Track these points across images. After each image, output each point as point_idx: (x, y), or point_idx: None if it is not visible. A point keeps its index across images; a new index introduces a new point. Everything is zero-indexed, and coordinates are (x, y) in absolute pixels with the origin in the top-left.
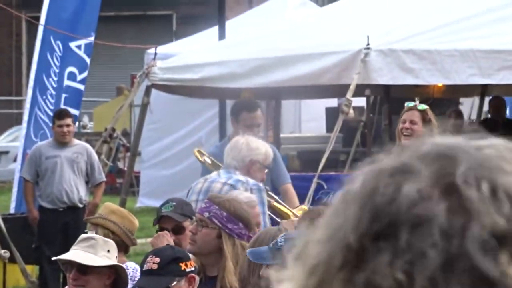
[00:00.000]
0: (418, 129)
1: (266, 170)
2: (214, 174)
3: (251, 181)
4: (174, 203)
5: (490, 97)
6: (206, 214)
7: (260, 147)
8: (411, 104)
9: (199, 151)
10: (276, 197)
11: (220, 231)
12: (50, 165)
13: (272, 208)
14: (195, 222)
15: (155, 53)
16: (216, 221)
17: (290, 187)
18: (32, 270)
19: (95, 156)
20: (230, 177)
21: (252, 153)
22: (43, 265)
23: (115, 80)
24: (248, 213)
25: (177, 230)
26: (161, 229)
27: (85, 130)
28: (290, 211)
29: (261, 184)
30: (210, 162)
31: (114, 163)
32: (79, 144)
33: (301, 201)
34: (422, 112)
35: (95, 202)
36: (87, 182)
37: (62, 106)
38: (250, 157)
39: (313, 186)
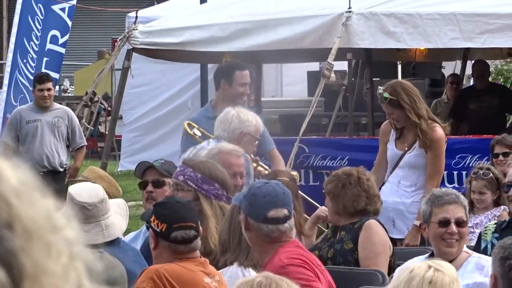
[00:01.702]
0: (396, 117)
1: (256, 142)
2: (203, 143)
3: (240, 150)
4: (162, 161)
5: (473, 61)
6: (181, 178)
7: (251, 119)
8: (378, 92)
9: (189, 124)
10: (266, 166)
11: (196, 193)
12: (31, 130)
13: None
14: (172, 187)
15: (136, 17)
16: (191, 184)
17: (276, 152)
18: None
19: (76, 120)
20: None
21: (242, 125)
22: None
23: (97, 44)
24: (223, 173)
25: (156, 183)
26: (144, 182)
27: (66, 94)
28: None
29: (248, 156)
30: (200, 134)
31: (95, 127)
32: (60, 108)
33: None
34: (389, 101)
35: (76, 166)
36: (68, 146)
37: (43, 70)
38: (240, 129)
39: (294, 150)
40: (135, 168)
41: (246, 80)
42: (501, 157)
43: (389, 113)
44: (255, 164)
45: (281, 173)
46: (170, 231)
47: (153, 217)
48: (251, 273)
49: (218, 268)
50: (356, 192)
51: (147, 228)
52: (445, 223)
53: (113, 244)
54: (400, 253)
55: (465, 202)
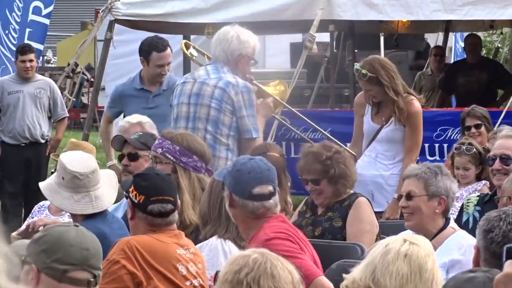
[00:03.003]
0: (374, 93)
1: (253, 62)
2: (202, 72)
3: (241, 82)
4: (140, 133)
5: (466, 35)
6: (159, 150)
7: (250, 40)
8: (356, 69)
9: (186, 43)
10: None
11: (175, 165)
12: (13, 101)
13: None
14: (150, 159)
15: None
16: (169, 156)
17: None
18: None
19: (58, 92)
20: (219, 77)
21: (241, 46)
22: (4, 201)
23: (80, 14)
24: (202, 145)
25: (132, 156)
26: (121, 155)
27: (49, 65)
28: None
29: (249, 85)
30: (196, 54)
31: (78, 98)
32: (42, 79)
33: (264, 136)
34: (367, 78)
35: (58, 137)
36: (49, 118)
37: (26, 41)
38: (239, 50)
39: (276, 122)
40: (111, 141)
41: (163, 61)
42: (473, 129)
43: (367, 90)
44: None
45: (272, 148)
46: (148, 203)
47: (132, 188)
48: (230, 247)
49: (198, 241)
50: (348, 173)
51: (126, 198)
52: (399, 197)
53: (100, 215)
54: (383, 226)
55: (427, 174)
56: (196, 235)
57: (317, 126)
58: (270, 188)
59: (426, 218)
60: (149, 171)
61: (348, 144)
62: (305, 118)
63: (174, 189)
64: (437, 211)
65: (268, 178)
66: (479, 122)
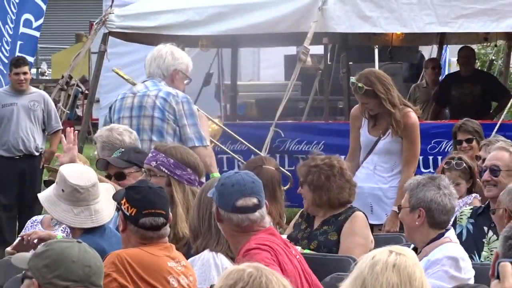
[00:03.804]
0: (371, 106)
1: (187, 81)
2: (140, 87)
3: (180, 93)
4: (122, 150)
5: (460, 47)
6: (153, 163)
7: (183, 56)
8: (352, 82)
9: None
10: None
11: (169, 178)
12: (7, 113)
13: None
14: (144, 172)
15: (112, 0)
16: (163, 169)
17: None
18: None
19: (52, 104)
20: (159, 89)
21: (176, 62)
22: None
23: (75, 27)
24: (195, 158)
25: (118, 176)
26: (108, 174)
27: (44, 77)
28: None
29: (188, 97)
30: (127, 77)
31: (72, 110)
32: (36, 92)
33: (259, 148)
34: (361, 89)
35: (52, 150)
36: (43, 130)
37: (18, 54)
38: (174, 66)
39: (270, 134)
40: (95, 164)
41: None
42: (464, 144)
43: (364, 103)
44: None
45: (268, 161)
46: (139, 217)
47: (124, 200)
48: (222, 260)
49: (190, 255)
50: (341, 184)
51: (117, 210)
52: (399, 209)
53: (99, 230)
54: (378, 239)
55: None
56: (188, 248)
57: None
58: (254, 200)
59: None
60: (141, 184)
61: (343, 157)
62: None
63: (167, 203)
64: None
65: (252, 190)
66: (470, 136)
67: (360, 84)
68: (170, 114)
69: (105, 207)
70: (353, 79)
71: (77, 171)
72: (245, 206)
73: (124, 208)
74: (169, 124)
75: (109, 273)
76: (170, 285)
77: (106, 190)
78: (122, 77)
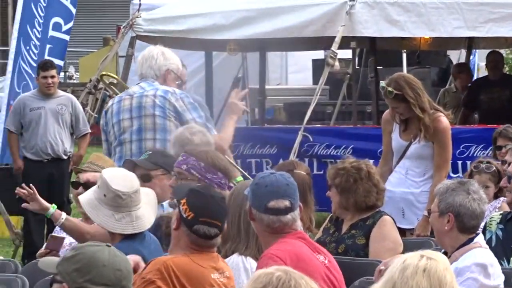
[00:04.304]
0: (401, 110)
1: (178, 82)
2: (136, 88)
3: (177, 90)
4: (150, 152)
5: (488, 52)
6: (184, 167)
7: (174, 57)
8: (381, 87)
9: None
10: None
11: (199, 182)
12: (35, 117)
13: None
14: (174, 176)
15: (140, 4)
16: (194, 172)
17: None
18: (17, 221)
19: (79, 107)
20: (155, 88)
21: (167, 62)
22: (28, 216)
23: (102, 30)
24: (225, 162)
25: (144, 177)
26: None
27: (71, 81)
28: None
29: (186, 92)
30: (116, 81)
31: (100, 114)
32: (63, 95)
33: (287, 153)
34: (391, 93)
35: (80, 153)
36: (71, 134)
37: (46, 57)
38: (166, 66)
39: (298, 138)
40: (122, 165)
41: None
42: (504, 150)
43: (394, 107)
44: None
45: (298, 165)
46: (195, 222)
47: (184, 201)
48: (251, 264)
49: None
50: (367, 188)
51: (173, 206)
52: (429, 214)
53: (139, 236)
54: (408, 243)
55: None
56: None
57: None
58: (287, 203)
59: None
60: (205, 190)
61: (372, 161)
62: None
63: (225, 214)
64: None
65: (285, 193)
66: (510, 142)
67: (389, 89)
68: (171, 111)
69: (146, 213)
70: (382, 83)
71: (120, 176)
72: (276, 208)
73: (183, 209)
74: (171, 121)
75: (154, 280)
76: None
77: (147, 195)
78: (116, 78)
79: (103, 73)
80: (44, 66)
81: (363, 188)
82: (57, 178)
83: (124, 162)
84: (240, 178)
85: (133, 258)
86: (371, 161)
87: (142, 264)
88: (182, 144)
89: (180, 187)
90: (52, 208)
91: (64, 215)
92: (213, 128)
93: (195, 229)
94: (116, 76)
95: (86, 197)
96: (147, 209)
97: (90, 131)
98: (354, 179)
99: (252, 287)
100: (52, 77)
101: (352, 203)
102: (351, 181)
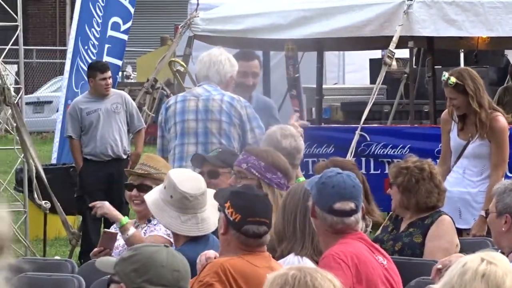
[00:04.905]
0: (458, 102)
1: (233, 87)
2: (201, 90)
3: (242, 98)
4: (220, 150)
5: None
6: (244, 165)
7: (236, 63)
8: (444, 77)
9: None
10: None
11: (259, 181)
12: (92, 120)
13: None
14: (234, 175)
15: (197, 4)
16: (254, 171)
17: None
18: (74, 221)
19: (132, 102)
20: (221, 93)
21: (232, 68)
22: (85, 216)
23: (160, 30)
24: (285, 162)
25: (212, 174)
26: (201, 172)
27: (129, 80)
28: None
29: (247, 102)
30: (183, 69)
31: (157, 113)
32: (114, 93)
33: (344, 152)
34: (454, 85)
35: (138, 152)
36: (128, 130)
37: (105, 56)
38: (231, 73)
39: (355, 138)
40: (191, 160)
41: (246, 69)
42: None
43: (452, 98)
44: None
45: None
46: (243, 224)
47: (229, 204)
48: (307, 264)
49: (275, 259)
50: (429, 188)
51: (219, 210)
52: (486, 214)
53: (203, 239)
54: (464, 243)
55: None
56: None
57: None
58: (352, 205)
59: None
60: (247, 190)
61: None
62: None
63: (270, 211)
64: None
65: (351, 195)
66: None
67: (452, 78)
68: (236, 119)
69: (211, 215)
70: (445, 74)
71: (188, 178)
72: (342, 210)
73: (228, 213)
74: (235, 129)
75: (212, 283)
76: None
77: (211, 197)
78: (184, 67)
79: (172, 59)
80: (102, 67)
81: (425, 188)
82: (116, 178)
83: (193, 156)
84: (302, 179)
85: (209, 254)
86: (428, 161)
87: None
88: (271, 143)
89: (221, 191)
90: (124, 220)
91: (131, 231)
92: None
93: (244, 230)
94: (184, 64)
95: (152, 197)
96: (212, 211)
97: (145, 126)
98: (416, 179)
99: None
100: (109, 78)
101: (413, 203)
102: (413, 181)
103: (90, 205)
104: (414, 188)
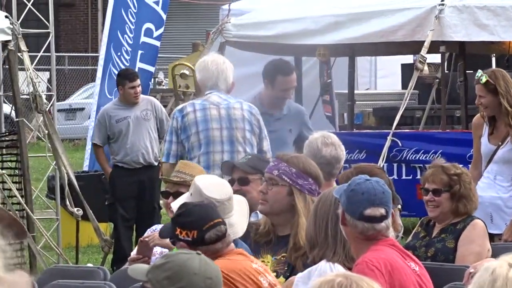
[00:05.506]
0: (486, 101)
1: None
2: (217, 98)
3: (254, 106)
4: (249, 156)
5: None
6: (276, 172)
7: (232, 67)
8: (477, 75)
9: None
10: None
11: (290, 188)
12: (122, 127)
13: None
14: (265, 181)
15: (229, 10)
16: (286, 178)
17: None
18: (106, 228)
19: (161, 107)
20: (239, 101)
21: (233, 74)
22: (117, 223)
23: (191, 36)
24: (316, 168)
25: (242, 180)
26: (231, 180)
27: (160, 87)
28: None
29: None
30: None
31: None
32: (143, 99)
33: (376, 158)
34: (485, 84)
35: None
36: (158, 136)
37: (138, 63)
38: (232, 79)
39: (387, 143)
40: (221, 167)
41: (288, 86)
42: None
43: (481, 96)
44: None
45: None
46: (203, 234)
47: (179, 230)
48: (339, 270)
49: (307, 266)
50: (470, 195)
51: (173, 243)
52: None
53: None
54: (495, 248)
55: None
56: (306, 258)
57: None
58: (382, 211)
59: None
60: (186, 207)
61: (461, 166)
62: None
63: (216, 210)
64: None
65: (381, 201)
66: None
67: (484, 76)
68: (255, 127)
69: (238, 220)
70: (479, 72)
71: (213, 183)
72: (372, 216)
73: (183, 236)
74: (255, 137)
75: None
76: (263, 286)
77: (239, 203)
78: (191, 68)
79: (176, 62)
80: (131, 76)
81: (467, 194)
82: (148, 185)
83: (223, 163)
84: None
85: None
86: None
87: None
88: (311, 150)
89: (164, 227)
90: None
91: None
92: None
93: (208, 239)
94: (190, 66)
95: (179, 204)
96: (239, 217)
97: None
98: (470, 186)
99: None
100: (139, 86)
101: (468, 209)
102: (467, 188)
103: (140, 239)
104: (469, 195)
